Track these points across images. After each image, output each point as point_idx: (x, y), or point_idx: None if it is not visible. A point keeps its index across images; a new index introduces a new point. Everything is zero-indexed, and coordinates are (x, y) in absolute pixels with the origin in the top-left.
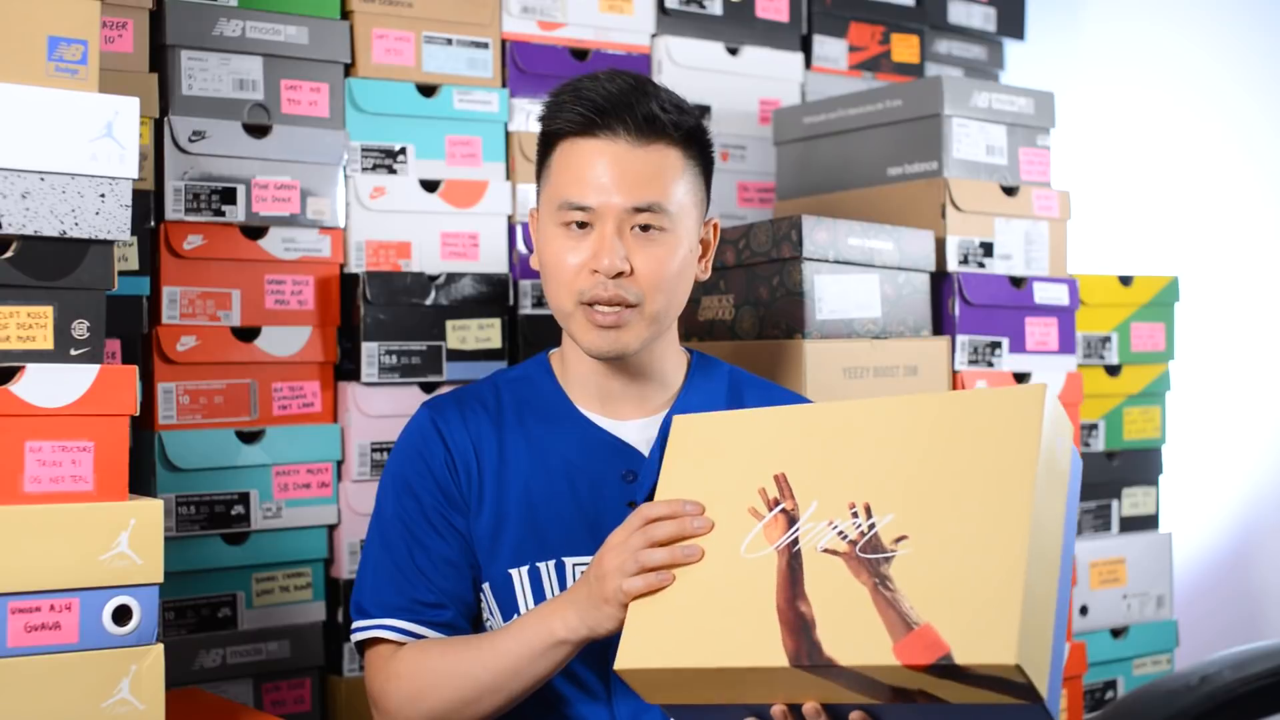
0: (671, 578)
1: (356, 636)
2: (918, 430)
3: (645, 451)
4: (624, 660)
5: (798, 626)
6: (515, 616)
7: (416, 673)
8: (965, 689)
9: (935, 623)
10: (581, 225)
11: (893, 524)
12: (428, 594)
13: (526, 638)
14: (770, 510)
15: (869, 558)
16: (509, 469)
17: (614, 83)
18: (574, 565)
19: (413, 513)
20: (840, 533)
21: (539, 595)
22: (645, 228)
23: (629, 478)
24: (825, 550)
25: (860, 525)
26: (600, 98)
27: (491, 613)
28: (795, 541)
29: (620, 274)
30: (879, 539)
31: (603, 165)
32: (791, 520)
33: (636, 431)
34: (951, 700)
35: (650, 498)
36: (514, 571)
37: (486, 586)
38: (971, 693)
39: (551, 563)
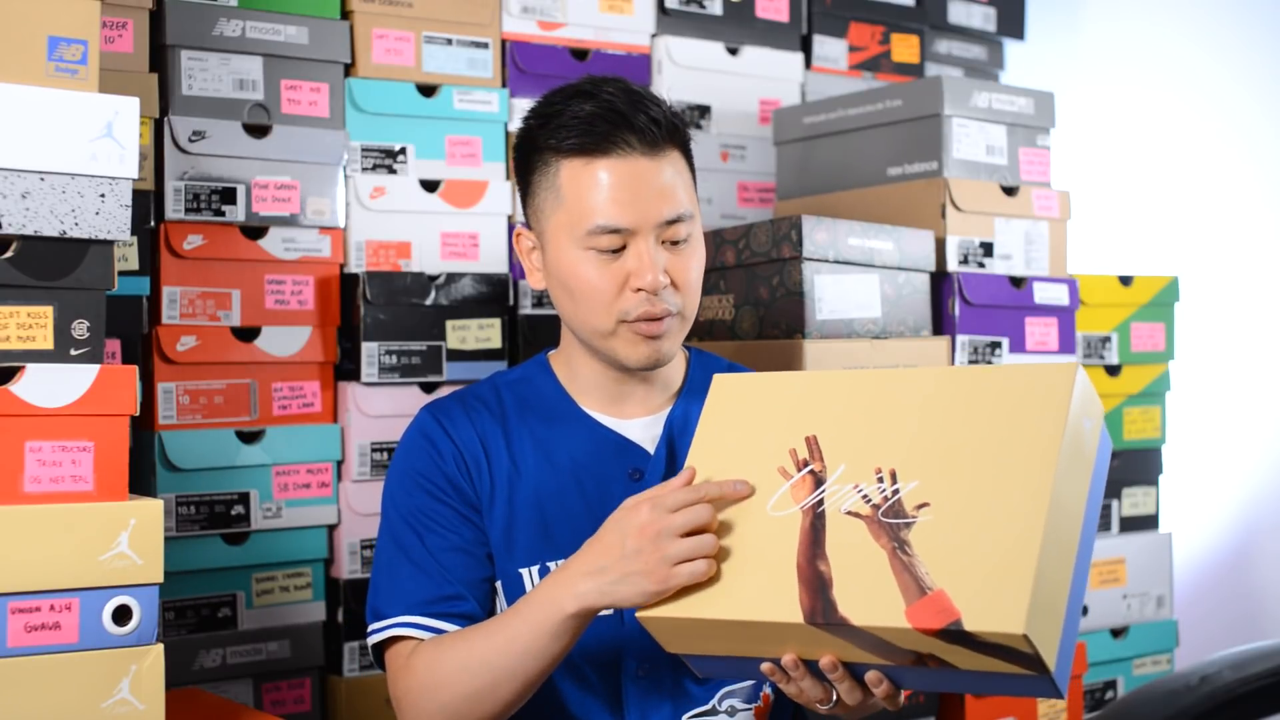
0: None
1: (374, 639)
2: (949, 402)
3: (650, 449)
4: (646, 611)
5: (815, 585)
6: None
7: (433, 666)
8: (974, 655)
9: (949, 589)
10: (614, 247)
11: (916, 491)
12: (447, 586)
13: (536, 618)
14: (799, 471)
15: (890, 522)
16: (518, 468)
17: (606, 95)
18: None
19: (425, 504)
20: (865, 496)
21: None
22: (674, 240)
23: (635, 476)
24: (848, 513)
25: (884, 490)
26: (602, 112)
27: (502, 609)
28: (820, 502)
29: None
30: (901, 504)
31: (627, 183)
32: (819, 481)
33: (641, 430)
34: (961, 666)
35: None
36: (525, 571)
37: (499, 584)
38: (980, 660)
39: (561, 562)
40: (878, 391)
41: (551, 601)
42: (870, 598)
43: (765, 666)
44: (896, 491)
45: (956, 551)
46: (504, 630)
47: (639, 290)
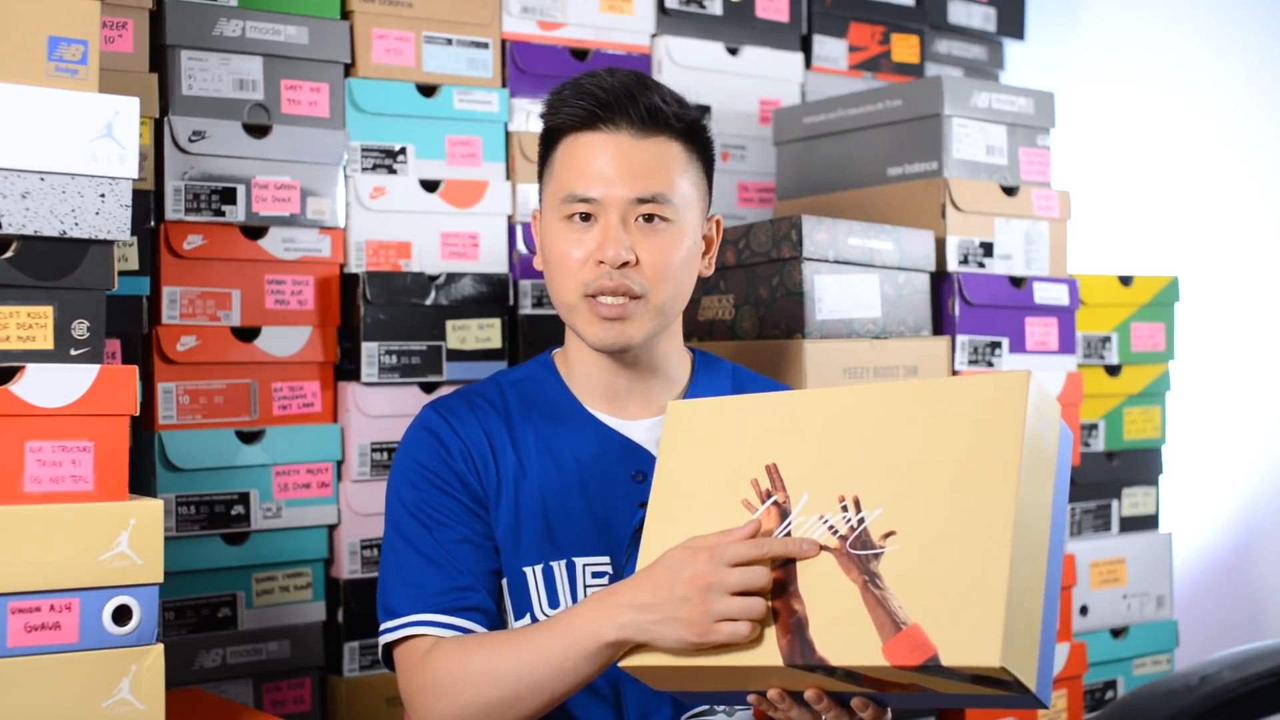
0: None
1: (388, 637)
2: (905, 418)
3: (654, 451)
4: (629, 659)
5: (791, 625)
6: (529, 616)
7: (455, 667)
8: (955, 684)
9: (923, 623)
10: (585, 218)
11: (882, 518)
12: (459, 576)
13: (573, 639)
14: (763, 503)
15: (859, 554)
16: (524, 467)
17: (615, 77)
18: (584, 565)
19: (432, 498)
20: (831, 527)
21: (551, 594)
22: (649, 218)
23: (638, 478)
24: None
25: (850, 520)
26: (602, 91)
27: (505, 609)
28: (788, 536)
29: (625, 264)
30: (868, 534)
31: (605, 157)
32: (784, 514)
33: (645, 431)
34: (944, 691)
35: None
36: (529, 570)
37: (504, 582)
38: (962, 686)
39: (563, 562)
40: (832, 412)
41: (591, 625)
42: (846, 636)
43: (751, 698)
44: (862, 520)
45: (927, 582)
46: (534, 644)
47: (601, 263)
